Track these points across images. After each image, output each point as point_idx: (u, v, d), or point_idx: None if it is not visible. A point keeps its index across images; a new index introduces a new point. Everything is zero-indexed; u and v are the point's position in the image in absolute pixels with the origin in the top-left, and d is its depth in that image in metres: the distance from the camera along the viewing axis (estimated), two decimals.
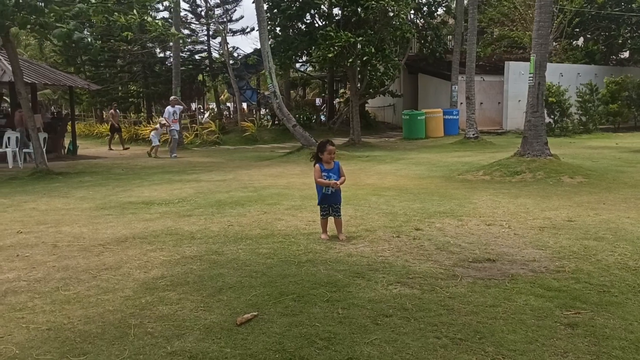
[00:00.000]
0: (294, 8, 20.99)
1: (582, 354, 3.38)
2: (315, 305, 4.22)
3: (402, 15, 20.50)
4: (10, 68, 14.57)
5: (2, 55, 17.18)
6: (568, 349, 3.44)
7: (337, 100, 32.86)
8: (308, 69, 33.88)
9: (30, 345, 3.64)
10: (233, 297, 4.44)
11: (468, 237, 6.28)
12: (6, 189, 11.57)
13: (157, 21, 14.58)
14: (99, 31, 27.26)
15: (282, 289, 4.59)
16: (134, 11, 12.73)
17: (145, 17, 13.40)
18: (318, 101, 35.19)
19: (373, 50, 19.82)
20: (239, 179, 12.35)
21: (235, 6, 32.23)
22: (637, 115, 25.15)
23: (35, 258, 5.80)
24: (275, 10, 21.31)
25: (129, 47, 30.54)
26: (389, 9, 19.97)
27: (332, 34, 19.46)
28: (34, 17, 11.96)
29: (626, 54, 30.81)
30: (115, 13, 12.80)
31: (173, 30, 16.60)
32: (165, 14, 31.55)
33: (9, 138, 16.44)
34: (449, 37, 29.15)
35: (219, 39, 30.39)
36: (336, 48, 19.36)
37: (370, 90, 24.21)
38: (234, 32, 32.50)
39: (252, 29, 32.45)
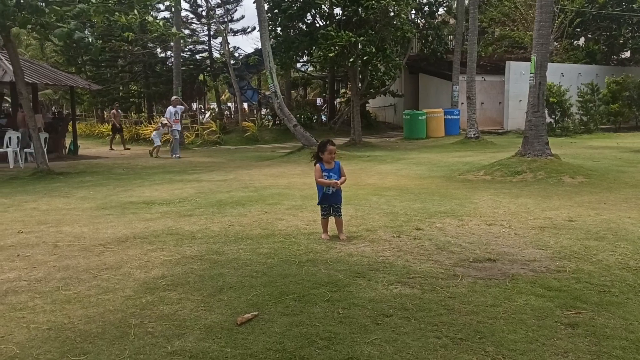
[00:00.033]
0: (295, 8, 20.99)
1: (583, 353, 3.38)
2: (315, 305, 4.22)
3: (403, 15, 20.50)
4: (11, 68, 14.59)
5: (3, 55, 17.20)
6: (568, 349, 3.44)
7: (338, 100, 32.86)
8: (309, 69, 33.90)
9: (30, 345, 3.65)
10: (233, 297, 4.44)
11: (469, 237, 6.27)
12: (7, 188, 11.58)
13: (158, 21, 14.58)
14: (100, 31, 27.27)
15: (282, 289, 4.59)
16: (135, 11, 12.73)
17: (146, 17, 13.39)
18: (319, 101, 35.21)
19: (374, 50, 19.82)
20: (239, 178, 12.35)
21: (236, 6, 32.30)
22: (638, 115, 25.11)
23: (35, 258, 5.80)
24: (276, 10, 21.31)
25: (130, 47, 30.57)
26: (390, 9, 19.96)
27: (332, 33, 19.45)
28: (34, 17, 11.96)
29: (627, 54, 30.79)
30: (116, 13, 12.80)
31: (174, 30, 16.61)
32: (166, 14, 31.65)
33: (9, 138, 16.45)
34: (450, 37, 29.13)
35: (219, 39, 30.41)
36: (337, 48, 19.36)
37: (371, 90, 24.22)
38: (235, 32, 32.54)
39: (253, 29, 32.54)
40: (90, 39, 12.30)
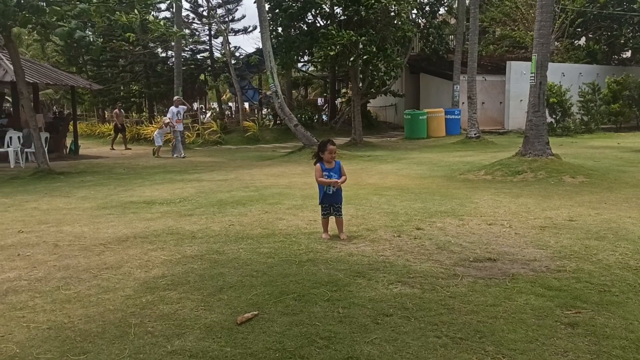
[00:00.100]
0: (296, 8, 20.99)
1: (583, 353, 3.38)
2: (315, 305, 4.22)
3: (403, 14, 20.47)
4: (12, 68, 14.60)
5: (4, 55, 17.21)
6: (568, 348, 3.44)
7: (339, 100, 32.86)
8: (310, 69, 33.89)
9: (30, 344, 3.65)
10: (234, 297, 4.45)
11: (469, 237, 6.27)
12: (8, 188, 11.58)
13: (158, 21, 14.59)
14: (100, 31, 27.28)
15: (282, 288, 4.59)
16: (135, 10, 12.73)
17: (147, 17, 13.40)
18: (320, 101, 35.22)
19: (375, 49, 19.82)
20: (240, 178, 12.35)
21: (237, 5, 32.26)
22: (639, 115, 25.09)
23: (36, 257, 5.81)
24: (277, 10, 21.31)
25: (131, 48, 30.58)
26: (391, 9, 19.95)
27: (333, 32, 19.45)
28: (35, 17, 11.97)
29: (628, 54, 30.76)
30: (117, 12, 12.81)
31: (175, 29, 16.61)
32: (167, 14, 31.67)
33: (10, 138, 16.46)
34: (451, 36, 29.14)
35: (220, 39, 30.41)
36: (337, 47, 19.35)
37: (372, 90, 24.21)
38: (236, 32, 32.52)
39: (254, 28, 32.45)
40: (91, 38, 12.30)
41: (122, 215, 8.10)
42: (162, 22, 14.70)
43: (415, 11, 26.00)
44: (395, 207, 8.15)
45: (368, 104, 28.98)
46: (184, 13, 29.08)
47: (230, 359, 3.38)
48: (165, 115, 22.11)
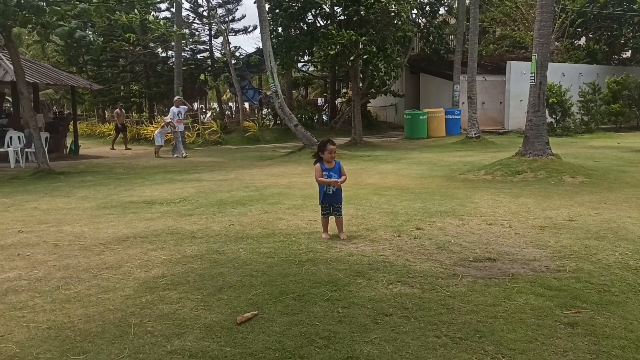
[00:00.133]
0: (296, 8, 20.99)
1: (582, 353, 3.38)
2: (315, 304, 4.22)
3: (403, 14, 20.44)
4: (12, 68, 14.60)
5: (4, 55, 17.22)
6: (568, 348, 3.44)
7: (339, 100, 32.85)
8: (310, 69, 33.89)
9: (30, 344, 3.65)
10: (233, 296, 4.45)
11: (469, 237, 6.27)
12: (8, 188, 11.59)
13: (158, 20, 14.59)
14: (100, 31, 27.27)
15: (282, 288, 4.59)
16: (135, 10, 12.74)
17: (147, 17, 13.40)
18: (320, 101, 35.20)
19: (375, 49, 19.81)
20: (240, 178, 12.35)
21: (237, 5, 32.25)
22: (639, 115, 25.09)
23: (36, 257, 5.81)
24: (277, 10, 21.31)
25: (131, 48, 30.59)
26: (390, 8, 19.93)
27: (333, 32, 19.46)
28: (35, 17, 11.97)
29: (628, 54, 30.75)
30: (117, 12, 12.81)
31: (175, 28, 16.62)
32: (167, 14, 31.67)
33: (10, 138, 16.46)
34: (451, 36, 29.14)
35: (221, 39, 30.41)
36: (337, 47, 19.35)
37: (372, 90, 24.21)
38: (236, 32, 32.52)
39: (255, 28, 32.44)
40: (91, 37, 12.29)
41: (122, 215, 8.10)
42: (162, 22, 14.69)
43: (415, 11, 26.00)
44: (395, 207, 8.15)
45: (368, 104, 28.98)
46: (184, 13, 29.13)
47: (229, 358, 3.39)
48: (165, 115, 22.08)
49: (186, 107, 20.67)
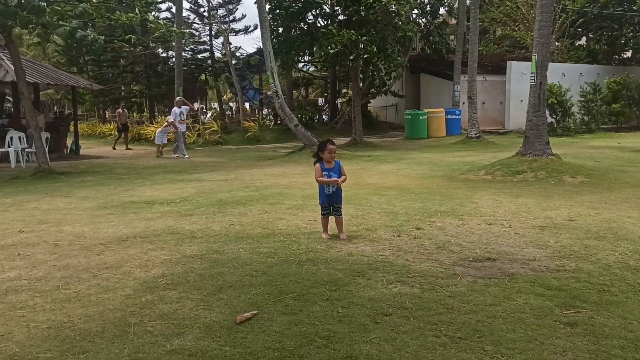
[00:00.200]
0: (296, 7, 20.99)
1: (582, 352, 3.38)
2: (315, 304, 4.22)
3: (402, 13, 20.41)
4: (13, 68, 14.61)
5: (4, 55, 17.23)
6: (567, 348, 3.44)
7: (340, 100, 32.86)
8: (310, 69, 33.90)
9: (30, 344, 3.66)
10: (233, 296, 4.45)
11: (469, 237, 6.28)
12: (8, 188, 11.60)
13: (159, 20, 14.60)
14: (100, 31, 27.27)
15: (282, 288, 4.59)
16: (136, 10, 12.74)
17: (147, 16, 13.40)
18: (320, 101, 35.19)
19: (375, 49, 19.81)
20: (240, 178, 12.36)
21: (237, 5, 32.27)
22: (639, 115, 25.09)
23: (36, 257, 5.82)
24: (278, 10, 21.31)
25: (131, 49, 30.62)
26: (390, 8, 19.92)
27: (334, 31, 19.47)
28: (35, 17, 11.97)
29: (629, 54, 30.75)
30: (117, 12, 12.81)
31: (175, 27, 16.63)
32: (167, 15, 31.70)
33: (11, 138, 16.48)
34: (452, 36, 29.14)
35: (221, 39, 30.43)
36: (338, 46, 19.34)
37: (372, 90, 24.21)
38: (237, 32, 32.55)
39: (255, 28, 32.44)
40: (93, 36, 12.27)
41: (123, 215, 8.11)
42: (162, 22, 14.69)
43: (416, 11, 25.99)
44: (395, 207, 8.15)
45: (369, 104, 28.99)
46: (185, 13, 29.14)
47: (229, 358, 3.39)
48: (165, 115, 22.06)
49: (188, 108, 20.66)
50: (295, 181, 11.50)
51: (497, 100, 26.75)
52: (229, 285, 4.70)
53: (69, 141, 21.46)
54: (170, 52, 32.12)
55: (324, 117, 31.12)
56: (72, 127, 22.48)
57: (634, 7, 26.04)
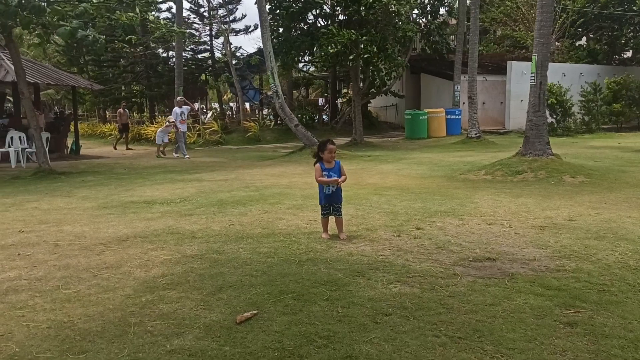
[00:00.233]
0: (297, 8, 21.00)
1: (581, 352, 3.38)
2: (315, 304, 4.22)
3: (402, 12, 20.39)
4: (13, 68, 14.62)
5: (5, 55, 17.24)
6: (567, 348, 3.44)
7: (340, 100, 32.86)
8: (310, 69, 33.90)
9: (30, 343, 3.66)
10: (233, 296, 4.45)
11: (469, 236, 6.28)
12: (9, 188, 11.60)
13: (159, 20, 14.60)
14: (100, 31, 27.25)
15: (282, 288, 4.59)
16: (137, 9, 12.74)
17: (147, 16, 13.40)
18: (321, 101, 35.20)
19: (375, 49, 19.81)
20: (241, 178, 12.36)
21: (237, 5, 32.27)
22: None
23: (36, 257, 5.82)
24: (278, 11, 21.31)
25: (132, 49, 30.63)
26: (390, 8, 19.91)
27: (334, 31, 19.47)
28: (35, 17, 11.97)
29: (629, 54, 30.75)
30: (117, 12, 12.81)
31: (175, 26, 16.64)
32: (168, 15, 31.71)
33: (12, 138, 16.48)
34: (452, 36, 29.13)
35: (221, 39, 30.43)
36: (338, 46, 19.34)
37: (372, 90, 24.20)
38: (237, 32, 32.55)
39: (256, 27, 32.44)
40: (94, 35, 12.26)
41: (123, 215, 8.11)
42: (162, 22, 14.70)
43: (416, 11, 25.99)
44: (395, 207, 8.15)
45: (369, 104, 28.99)
46: (185, 14, 29.14)
47: (229, 358, 3.39)
48: (166, 115, 22.05)
49: (189, 108, 20.65)
50: (296, 181, 11.50)
51: (497, 100, 26.75)
52: (229, 285, 4.70)
53: (70, 141, 21.47)
54: (170, 52, 32.14)
55: (324, 117, 31.13)
56: (72, 127, 22.48)
57: (634, 7, 26.03)
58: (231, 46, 29.07)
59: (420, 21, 27.21)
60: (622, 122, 24.66)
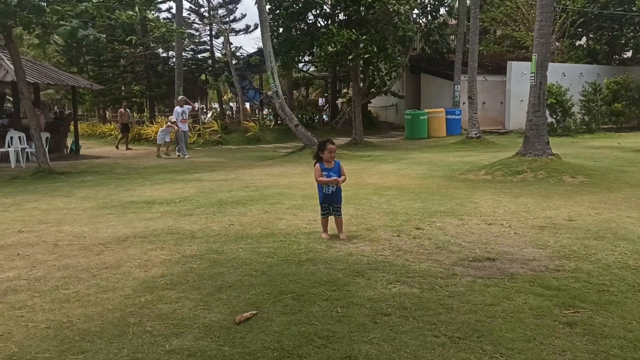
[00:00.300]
0: (297, 8, 20.99)
1: (581, 352, 3.38)
2: (314, 304, 4.22)
3: (402, 11, 20.37)
4: (13, 68, 14.61)
5: (4, 55, 17.23)
6: (566, 348, 3.43)
7: (340, 100, 32.86)
8: (311, 69, 33.91)
9: (29, 344, 3.66)
10: (232, 296, 4.45)
11: (468, 236, 6.27)
12: (8, 188, 11.60)
13: (159, 20, 14.60)
14: (100, 30, 27.24)
15: (281, 288, 4.59)
16: (136, 8, 12.73)
17: (146, 14, 13.40)
18: (321, 101, 35.20)
19: (375, 49, 19.81)
20: (240, 178, 12.36)
21: (236, 5, 32.27)
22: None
23: (35, 257, 5.81)
24: (278, 11, 21.31)
25: (132, 50, 30.62)
26: (389, 8, 19.91)
27: (334, 31, 19.47)
28: (35, 17, 11.97)
29: (629, 54, 30.74)
30: (117, 11, 12.81)
31: (175, 26, 16.64)
32: (168, 15, 31.69)
33: (11, 138, 16.48)
34: (452, 36, 29.12)
35: (221, 39, 30.42)
36: (338, 45, 19.33)
37: (373, 90, 24.21)
38: (237, 32, 32.54)
39: (256, 27, 32.44)
40: (95, 35, 12.25)
41: (122, 215, 8.11)
42: (162, 22, 14.70)
43: (416, 11, 25.99)
44: (395, 207, 8.15)
45: (369, 104, 28.99)
46: (185, 14, 29.15)
47: (228, 358, 3.39)
48: (166, 115, 22.03)
49: (190, 107, 20.65)
50: (295, 181, 11.50)
51: (497, 100, 26.75)
52: (229, 285, 4.70)
53: (69, 141, 21.47)
54: (170, 52, 32.13)
55: (324, 117, 31.12)
56: (72, 127, 22.49)
57: (634, 7, 26.02)
58: (231, 46, 29.09)
59: (420, 21, 27.19)
60: (622, 122, 24.66)
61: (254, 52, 29.77)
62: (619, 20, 27.24)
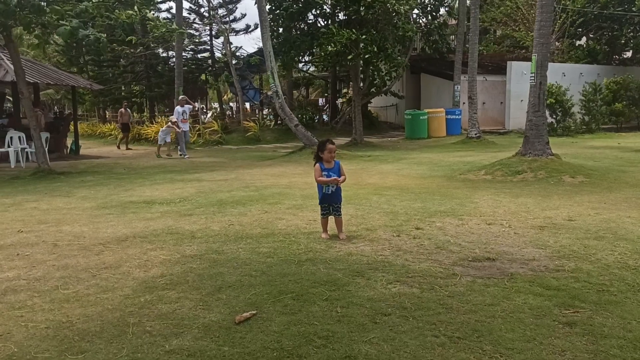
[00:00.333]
0: (297, 8, 20.99)
1: (580, 352, 3.38)
2: (314, 304, 4.22)
3: (402, 11, 20.36)
4: (13, 68, 14.61)
5: (4, 55, 17.23)
6: (566, 348, 3.43)
7: (340, 100, 32.85)
8: (310, 69, 33.90)
9: (29, 344, 3.66)
10: (232, 296, 4.45)
11: (468, 236, 6.27)
12: (8, 188, 11.60)
13: (159, 20, 14.60)
14: (99, 30, 27.22)
15: (281, 288, 4.59)
16: (135, 8, 12.73)
17: (146, 13, 13.39)
18: (321, 101, 35.20)
19: (375, 49, 19.81)
20: (240, 178, 12.36)
21: (236, 4, 32.26)
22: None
23: (35, 257, 5.81)
24: (278, 11, 21.31)
25: (131, 50, 30.60)
26: (389, 7, 19.90)
27: (334, 30, 19.47)
28: (35, 16, 11.96)
29: (629, 54, 30.74)
30: (116, 11, 12.81)
31: (175, 25, 16.63)
32: (168, 15, 31.67)
33: (11, 138, 16.48)
34: (452, 36, 29.12)
35: (221, 39, 30.42)
36: (337, 45, 19.33)
37: (373, 90, 24.21)
38: (237, 32, 32.53)
39: (256, 27, 32.43)
40: (96, 34, 12.24)
41: (122, 215, 8.11)
42: (162, 22, 14.69)
43: (416, 11, 25.99)
44: (395, 206, 8.15)
45: (369, 104, 28.99)
46: (185, 13, 29.14)
47: (228, 358, 3.39)
48: (166, 115, 22.03)
49: (191, 107, 20.64)
50: (295, 181, 11.50)
51: (497, 100, 26.75)
52: (228, 285, 4.70)
53: (69, 141, 21.47)
54: (170, 52, 32.11)
55: (324, 117, 31.12)
56: (72, 127, 22.49)
57: (634, 7, 26.02)
58: (231, 46, 29.09)
59: (420, 21, 27.19)
60: (622, 122, 24.66)
61: (254, 52, 29.77)
62: (619, 20, 27.24)
